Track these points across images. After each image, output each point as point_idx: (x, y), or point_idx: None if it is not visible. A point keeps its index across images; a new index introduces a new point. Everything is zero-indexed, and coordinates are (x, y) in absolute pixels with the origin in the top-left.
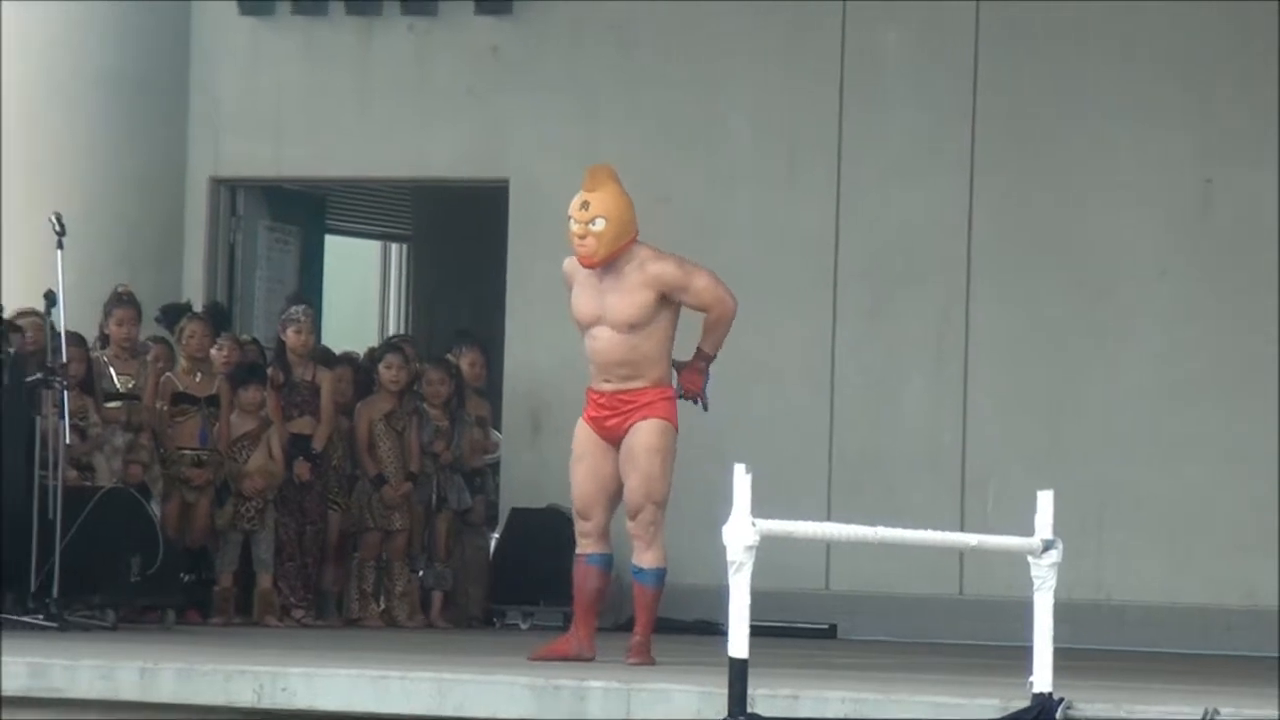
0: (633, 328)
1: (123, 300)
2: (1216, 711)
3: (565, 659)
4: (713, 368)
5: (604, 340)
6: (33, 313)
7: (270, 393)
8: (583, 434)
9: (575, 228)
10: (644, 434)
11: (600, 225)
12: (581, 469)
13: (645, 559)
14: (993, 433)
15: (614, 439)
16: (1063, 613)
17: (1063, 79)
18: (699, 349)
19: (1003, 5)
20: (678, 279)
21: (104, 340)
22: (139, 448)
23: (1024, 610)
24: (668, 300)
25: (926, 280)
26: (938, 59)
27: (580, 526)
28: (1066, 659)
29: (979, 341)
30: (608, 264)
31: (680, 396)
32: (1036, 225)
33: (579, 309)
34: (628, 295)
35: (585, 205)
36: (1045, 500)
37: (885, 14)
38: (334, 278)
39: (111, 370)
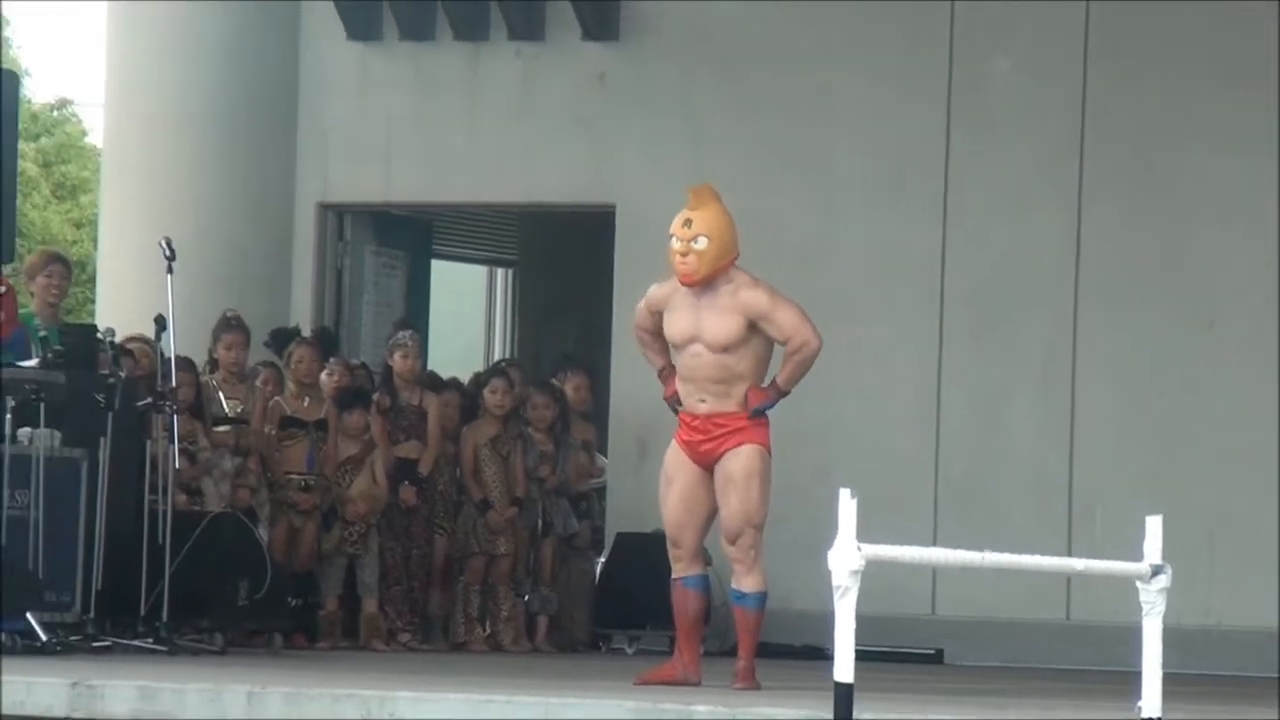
0: (725, 349)
1: (232, 325)
2: None
3: (671, 683)
4: (818, 389)
5: (700, 358)
6: (142, 339)
7: (375, 417)
8: (674, 457)
9: (677, 245)
10: (741, 459)
11: (703, 244)
12: (673, 493)
13: (746, 583)
14: (1100, 457)
15: (706, 463)
16: (1171, 638)
17: (1172, 106)
18: (774, 380)
19: (1112, 32)
20: (764, 309)
21: (213, 365)
22: (247, 472)
23: (1132, 635)
24: (756, 327)
25: (1034, 305)
26: (1046, 84)
27: (673, 551)
28: (1175, 684)
29: (1086, 366)
30: (707, 283)
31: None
32: (1145, 251)
33: (674, 328)
34: (720, 317)
35: (688, 223)
36: (1154, 525)
37: (994, 40)
38: (440, 303)
39: (220, 394)
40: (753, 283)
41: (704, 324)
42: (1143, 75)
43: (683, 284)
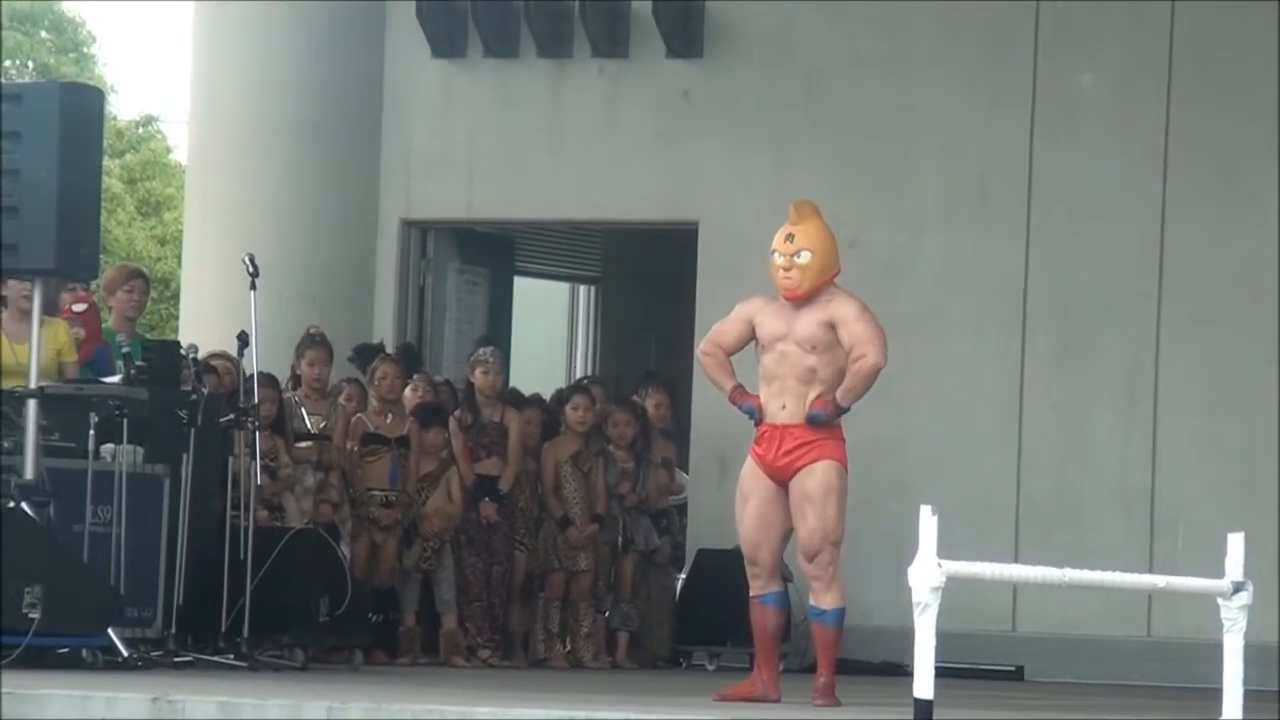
0: (813, 347)
1: (315, 341)
2: None
3: (750, 700)
4: (899, 404)
5: (787, 356)
6: (225, 355)
7: (456, 434)
8: (750, 474)
9: (780, 260)
10: (819, 475)
11: (806, 258)
12: (749, 511)
13: (826, 600)
14: (1183, 473)
15: (782, 478)
16: (1253, 655)
17: (1256, 119)
18: (834, 394)
19: (1196, 45)
20: (846, 315)
21: (295, 381)
22: (329, 488)
23: (1213, 652)
24: (837, 335)
25: (1117, 319)
26: (1130, 98)
27: (750, 568)
28: (1257, 701)
29: (1170, 381)
30: (808, 298)
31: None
32: (1228, 265)
33: (766, 328)
34: (813, 319)
35: (790, 238)
36: (1236, 542)
37: (1077, 55)
38: (523, 320)
39: (303, 410)
40: (848, 295)
41: (796, 326)
42: (1227, 88)
43: (786, 299)
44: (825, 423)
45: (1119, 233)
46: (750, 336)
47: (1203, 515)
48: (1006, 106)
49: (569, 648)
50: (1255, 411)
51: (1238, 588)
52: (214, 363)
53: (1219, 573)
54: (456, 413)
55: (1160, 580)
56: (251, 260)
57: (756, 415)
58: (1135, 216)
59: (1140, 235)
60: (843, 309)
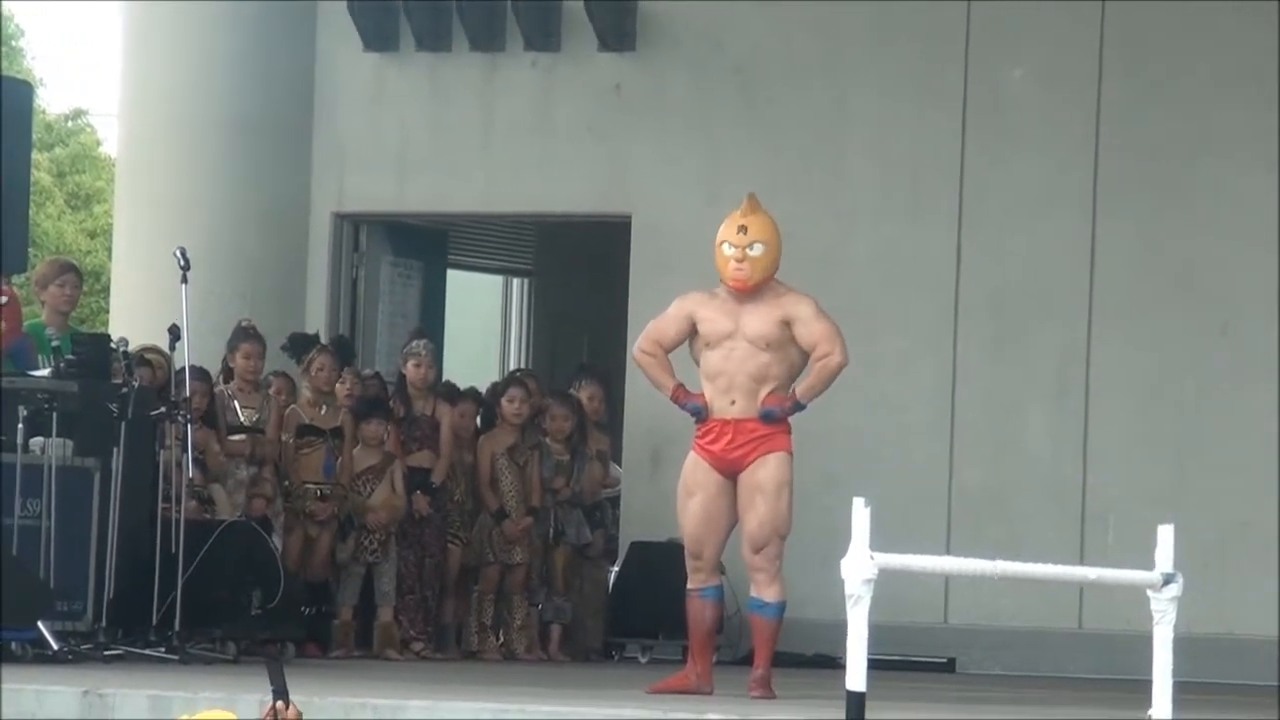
0: (768, 345)
1: (249, 334)
2: None
3: (683, 692)
4: (832, 397)
5: (735, 352)
6: (157, 349)
7: (391, 427)
8: (695, 469)
9: (732, 251)
10: (772, 468)
11: (759, 250)
12: (694, 505)
13: (769, 593)
14: (1114, 467)
15: (732, 471)
16: (1183, 646)
17: (1186, 118)
18: (793, 390)
19: (1127, 44)
20: (805, 314)
21: (228, 374)
22: (262, 481)
23: (1144, 644)
24: (792, 334)
25: (1048, 315)
26: (1061, 95)
27: (693, 563)
28: (1187, 693)
29: (1100, 376)
30: (754, 291)
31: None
32: (1159, 261)
33: (711, 326)
34: (764, 316)
35: (743, 230)
36: (1166, 534)
37: (1008, 52)
38: (456, 312)
39: (235, 403)
40: (800, 293)
41: (744, 321)
42: (1157, 87)
43: (735, 289)
44: (780, 419)
45: (1050, 228)
46: (689, 333)
47: (1133, 508)
48: (938, 101)
49: (502, 640)
50: (1185, 405)
51: (1168, 580)
52: (148, 356)
53: (1149, 565)
54: (389, 405)
55: (1091, 572)
56: (183, 254)
57: (702, 413)
58: (1066, 212)
59: (1071, 230)
60: (799, 307)
